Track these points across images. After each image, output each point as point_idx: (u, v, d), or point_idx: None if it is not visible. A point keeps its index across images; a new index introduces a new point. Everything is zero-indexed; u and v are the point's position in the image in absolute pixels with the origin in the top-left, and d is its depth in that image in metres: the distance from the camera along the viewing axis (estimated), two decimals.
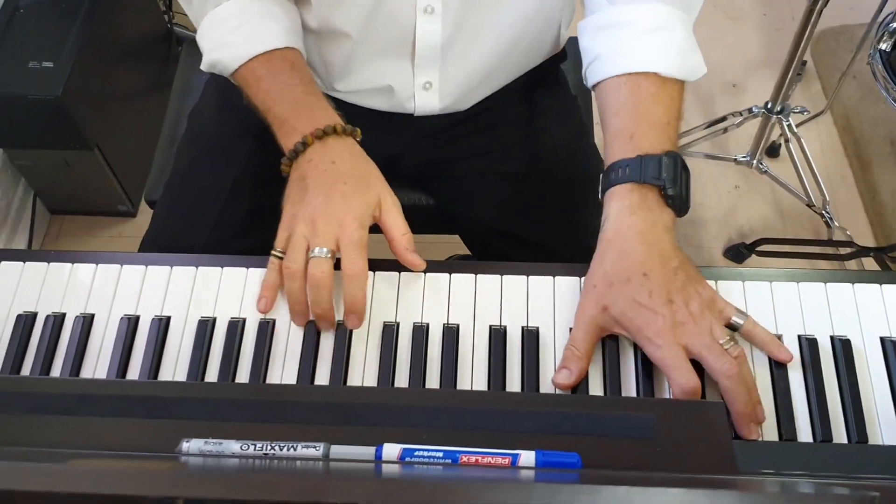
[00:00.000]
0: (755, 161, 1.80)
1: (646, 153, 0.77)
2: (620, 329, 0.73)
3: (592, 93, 0.87)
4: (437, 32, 0.89)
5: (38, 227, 1.85)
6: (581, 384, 0.72)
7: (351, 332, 0.76)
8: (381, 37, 0.90)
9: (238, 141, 1.03)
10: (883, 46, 1.59)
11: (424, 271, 0.79)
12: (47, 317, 0.78)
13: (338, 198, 0.77)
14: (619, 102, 0.82)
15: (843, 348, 0.73)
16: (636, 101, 0.81)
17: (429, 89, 0.96)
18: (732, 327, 0.72)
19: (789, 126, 1.72)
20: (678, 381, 0.69)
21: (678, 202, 0.76)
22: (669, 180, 0.75)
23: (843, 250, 1.71)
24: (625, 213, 0.76)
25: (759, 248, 1.73)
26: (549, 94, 1.10)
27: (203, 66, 0.90)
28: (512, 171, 1.05)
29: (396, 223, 0.79)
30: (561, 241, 1.00)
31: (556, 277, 0.78)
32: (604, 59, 0.84)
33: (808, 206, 1.76)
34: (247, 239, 0.98)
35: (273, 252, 0.78)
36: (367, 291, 0.76)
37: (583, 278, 0.77)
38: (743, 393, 0.68)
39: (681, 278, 0.72)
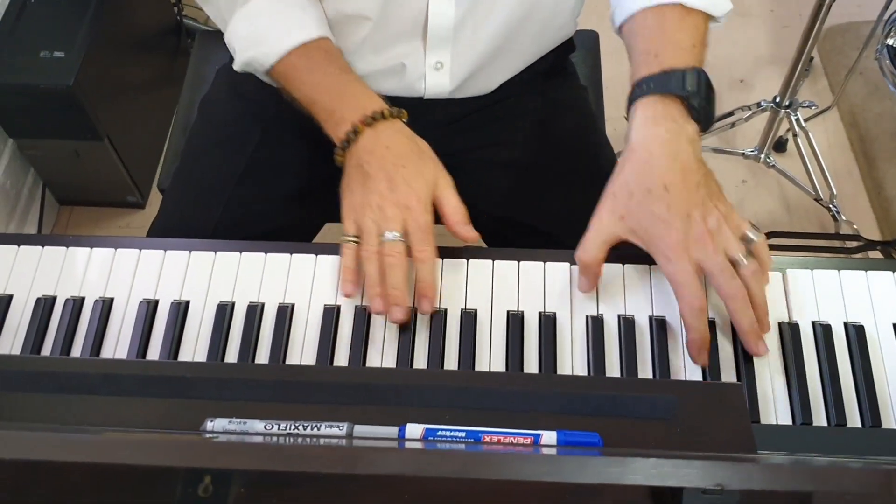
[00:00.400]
0: (763, 155, 1.81)
1: (670, 68, 0.78)
2: (636, 239, 0.74)
3: (620, 36, 0.88)
4: (451, 13, 0.89)
5: (47, 218, 1.86)
6: (599, 367, 0.73)
7: (369, 317, 0.76)
8: (395, 18, 0.91)
9: (249, 128, 1.04)
10: (891, 42, 1.59)
11: (442, 257, 0.80)
12: (66, 300, 0.79)
13: (401, 182, 0.78)
14: (645, 28, 0.83)
15: (856, 334, 0.73)
16: (661, 26, 0.82)
17: (440, 69, 0.96)
18: (746, 241, 0.73)
19: (797, 120, 1.73)
20: (686, 297, 0.70)
21: (702, 115, 0.77)
22: (693, 93, 0.76)
23: (850, 244, 1.72)
24: (649, 123, 0.76)
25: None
26: (559, 85, 1.11)
27: (236, 67, 0.90)
28: (522, 161, 1.05)
29: (451, 199, 0.81)
30: (573, 231, 1.01)
31: (573, 264, 0.79)
32: (624, 3, 0.85)
33: (815, 199, 1.77)
34: (257, 225, 0.99)
35: (345, 238, 0.79)
36: (437, 275, 0.77)
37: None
38: (748, 313, 0.70)
39: (701, 193, 0.73)
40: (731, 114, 1.82)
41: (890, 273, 0.77)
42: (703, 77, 0.78)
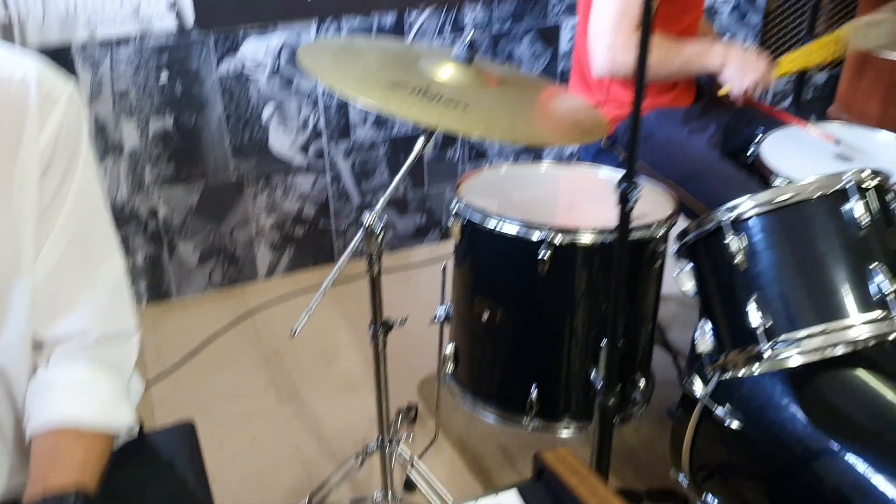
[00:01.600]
0: (390, 495, 1.97)
1: (51, 489, 0.83)
2: None
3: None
4: None
5: None
6: None
7: None
8: None
9: None
10: (449, 370, 1.96)
11: None
12: None
13: None
14: (39, 452, 0.89)
15: None
16: (54, 450, 0.89)
17: None
18: None
19: (410, 457, 1.96)
20: None
21: None
22: None
23: None
24: None
25: None
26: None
27: None
28: None
29: None
30: None
31: None
32: (31, 419, 0.92)
33: None
34: None
35: None
36: None
37: None
38: None
39: None
40: (352, 459, 2.00)
41: None
42: (86, 498, 0.84)
